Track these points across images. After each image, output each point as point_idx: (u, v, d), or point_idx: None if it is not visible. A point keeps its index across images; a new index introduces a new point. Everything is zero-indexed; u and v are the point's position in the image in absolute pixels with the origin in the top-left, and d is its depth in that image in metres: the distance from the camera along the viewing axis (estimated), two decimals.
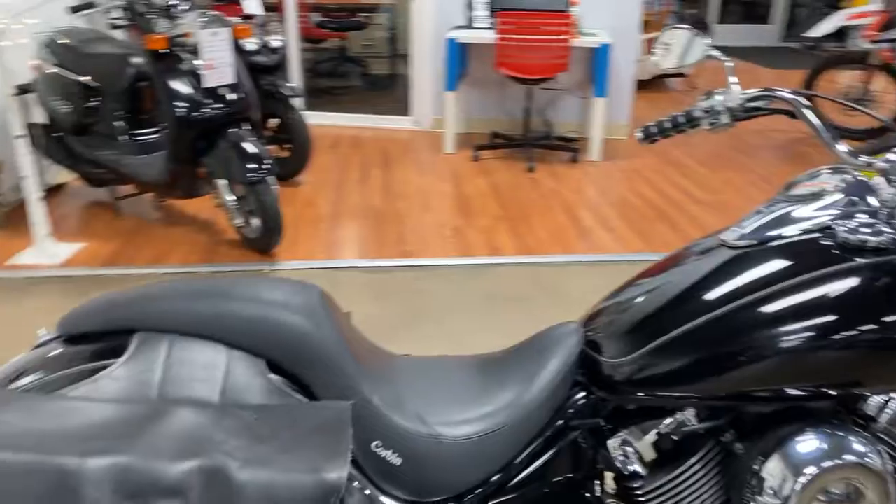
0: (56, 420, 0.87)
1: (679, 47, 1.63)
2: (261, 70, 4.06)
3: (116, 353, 1.01)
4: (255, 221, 3.26)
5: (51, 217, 3.39)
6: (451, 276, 3.26)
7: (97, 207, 3.92)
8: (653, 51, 1.69)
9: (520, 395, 1.10)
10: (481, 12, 5.04)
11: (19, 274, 3.15)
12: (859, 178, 1.17)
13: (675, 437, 1.16)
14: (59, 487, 0.80)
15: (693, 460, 1.14)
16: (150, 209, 3.92)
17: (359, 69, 7.86)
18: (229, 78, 3.20)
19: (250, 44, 4.00)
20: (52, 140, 3.70)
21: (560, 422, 1.14)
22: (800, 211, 1.17)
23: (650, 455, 1.16)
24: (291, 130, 4.23)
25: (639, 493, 1.16)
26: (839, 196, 1.15)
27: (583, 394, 1.17)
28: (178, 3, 3.15)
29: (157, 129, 3.56)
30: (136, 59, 3.43)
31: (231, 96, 3.23)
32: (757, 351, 1.06)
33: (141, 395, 0.96)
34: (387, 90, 7.19)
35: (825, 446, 1.05)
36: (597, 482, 1.22)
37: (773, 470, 1.07)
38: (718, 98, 1.43)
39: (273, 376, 1.02)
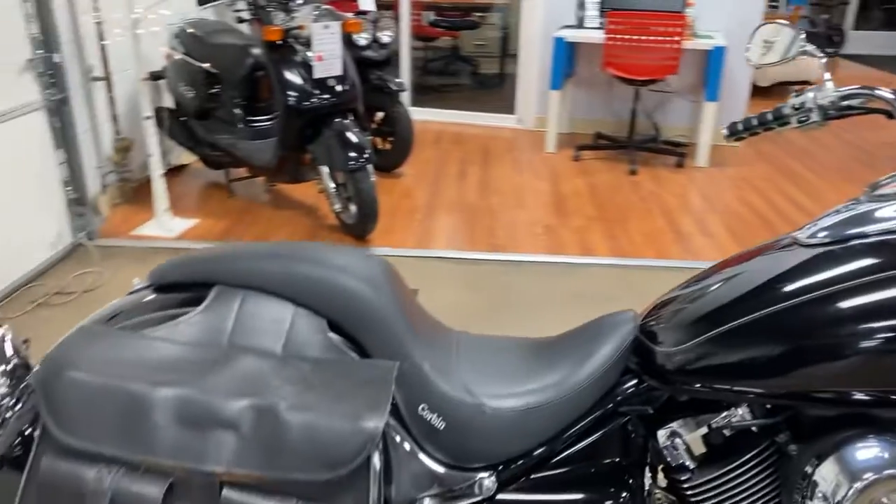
0: (136, 353, 0.98)
1: (782, 44, 1.58)
2: (370, 64, 4.22)
3: (196, 302, 1.11)
4: (353, 208, 3.40)
5: (171, 194, 3.68)
6: (539, 273, 3.26)
7: (212, 188, 4.20)
8: (747, 46, 1.64)
9: (567, 376, 1.12)
10: (592, 12, 5.00)
11: (140, 244, 3.44)
12: None
13: (726, 433, 1.13)
14: (130, 409, 0.90)
15: (744, 458, 1.11)
16: (260, 192, 4.17)
17: (469, 68, 7.96)
18: (338, 70, 3.35)
19: (361, 38, 4.16)
20: (176, 123, 4.01)
21: (609, 406, 1.14)
22: (882, 211, 1.12)
23: (700, 449, 1.14)
24: (395, 124, 4.37)
25: (686, 486, 1.15)
26: None
27: (634, 381, 1.17)
28: None
29: (270, 117, 3.78)
30: (256, 50, 3.66)
31: (338, 88, 3.38)
32: (825, 349, 1.01)
33: (212, 341, 1.05)
34: (494, 89, 7.25)
35: (886, 455, 1.00)
36: (647, 472, 1.21)
37: (826, 474, 1.03)
38: (810, 95, 1.38)
39: (332, 335, 1.09)
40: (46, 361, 0.95)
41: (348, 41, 4.08)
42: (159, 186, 3.56)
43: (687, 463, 1.14)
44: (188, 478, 0.89)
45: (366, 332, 1.09)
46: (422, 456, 1.07)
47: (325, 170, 3.43)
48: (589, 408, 1.13)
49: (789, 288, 1.06)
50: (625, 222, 3.85)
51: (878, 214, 1.12)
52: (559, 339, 1.23)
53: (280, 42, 3.32)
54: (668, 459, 1.16)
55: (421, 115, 5.65)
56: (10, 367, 1.17)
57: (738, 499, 1.12)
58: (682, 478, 1.15)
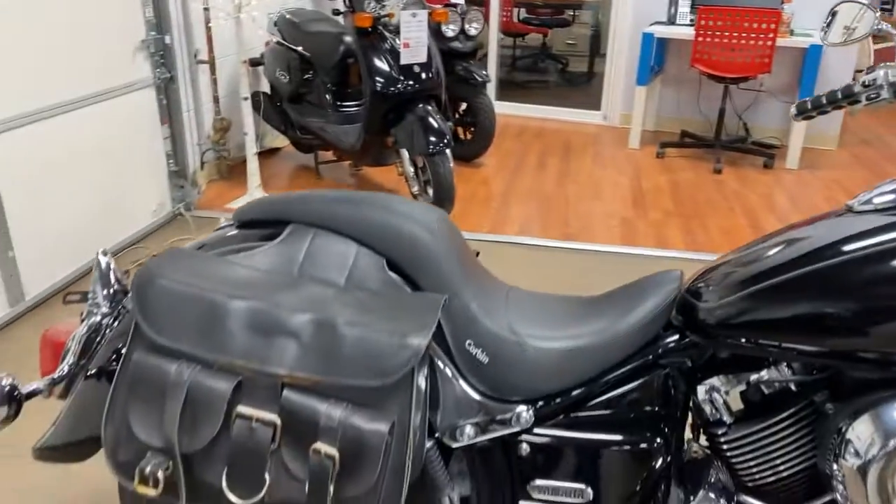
0: (216, 271, 1.10)
1: (858, 23, 1.57)
2: (456, 55, 4.34)
3: (273, 238, 1.23)
4: (430, 191, 3.51)
5: (263, 173, 3.90)
6: (610, 262, 3.28)
7: (302, 170, 4.42)
8: (823, 26, 1.64)
9: (608, 325, 1.17)
10: (684, 8, 4.94)
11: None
12: None
13: (765, 390, 1.16)
14: (208, 315, 1.02)
15: (781, 416, 1.13)
16: (345, 175, 4.35)
17: (558, 66, 7.96)
18: (423, 57, 3.47)
19: (449, 30, 4.29)
20: (271, 107, 4.25)
21: (649, 357, 1.18)
22: None
23: (738, 405, 1.17)
24: (478, 114, 4.46)
25: (722, 440, 1.18)
26: None
27: (676, 337, 1.20)
28: None
29: (358, 103, 3.94)
30: (349, 39, 3.83)
31: (423, 74, 3.50)
32: (872, 307, 1.01)
33: (284, 270, 1.17)
34: (582, 87, 7.23)
35: None
36: (687, 424, 1.25)
37: (860, 432, 1.04)
38: (881, 72, 1.38)
39: (391, 273, 1.18)
40: (141, 270, 1.09)
41: (437, 32, 4.22)
42: (253, 165, 3.79)
43: (724, 418, 1.17)
44: (255, 378, 1.00)
45: (420, 272, 1.18)
46: (465, 387, 1.15)
47: (405, 153, 3.56)
48: (628, 356, 1.17)
49: (839, 247, 1.07)
50: (704, 218, 3.80)
51: None
52: (606, 295, 1.29)
53: (370, 29, 3.48)
54: (706, 414, 1.19)
55: (505, 109, 5.73)
56: (112, 291, 1.33)
57: (773, 455, 1.15)
58: (719, 432, 1.18)
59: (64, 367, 1.27)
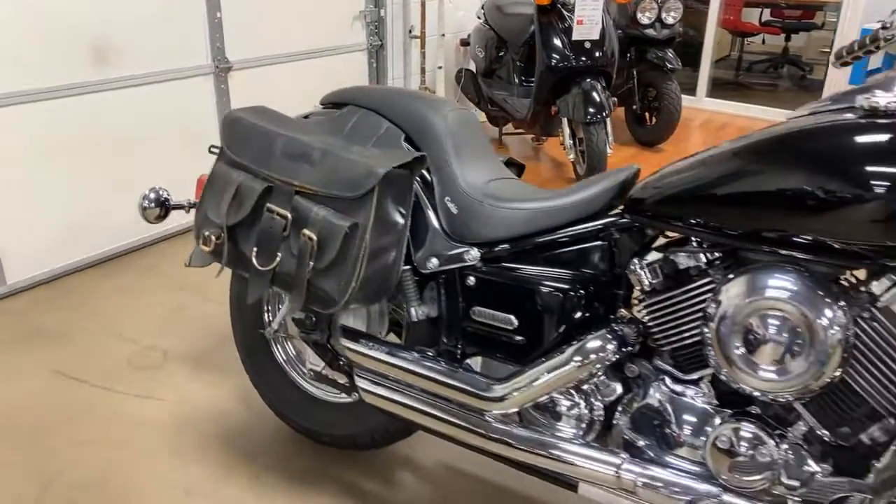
0: (283, 120, 1.58)
1: None
2: (650, 42, 4.49)
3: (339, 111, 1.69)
4: (585, 160, 3.76)
5: None
6: None
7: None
8: None
9: (558, 198, 1.44)
10: None
11: None
12: None
13: (679, 266, 1.34)
14: (262, 142, 1.50)
15: (686, 287, 1.30)
16: (526, 147, 4.73)
17: (799, 72, 7.49)
18: (595, 35, 3.73)
19: (645, 17, 4.46)
20: (470, 82, 4.77)
21: (589, 228, 1.41)
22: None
23: (657, 277, 1.36)
24: (664, 101, 4.55)
25: (641, 306, 1.38)
26: None
27: (617, 217, 1.42)
28: None
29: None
30: None
31: (593, 52, 3.75)
32: (780, 189, 1.13)
33: (335, 133, 1.62)
34: (813, 92, 6.76)
35: (785, 284, 1.14)
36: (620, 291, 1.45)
37: (730, 294, 1.20)
38: None
39: (405, 143, 1.57)
40: (229, 112, 1.61)
41: (633, 19, 4.43)
42: None
43: (645, 287, 1.37)
44: (280, 186, 1.45)
45: (425, 145, 1.55)
46: (438, 229, 1.50)
47: (565, 122, 3.85)
48: (569, 223, 1.43)
49: (760, 136, 1.23)
50: None
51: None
52: (578, 182, 1.54)
53: (549, 7, 3.81)
54: (631, 281, 1.40)
55: (714, 106, 5.69)
56: None
57: (678, 321, 1.32)
58: (640, 297, 1.38)
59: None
